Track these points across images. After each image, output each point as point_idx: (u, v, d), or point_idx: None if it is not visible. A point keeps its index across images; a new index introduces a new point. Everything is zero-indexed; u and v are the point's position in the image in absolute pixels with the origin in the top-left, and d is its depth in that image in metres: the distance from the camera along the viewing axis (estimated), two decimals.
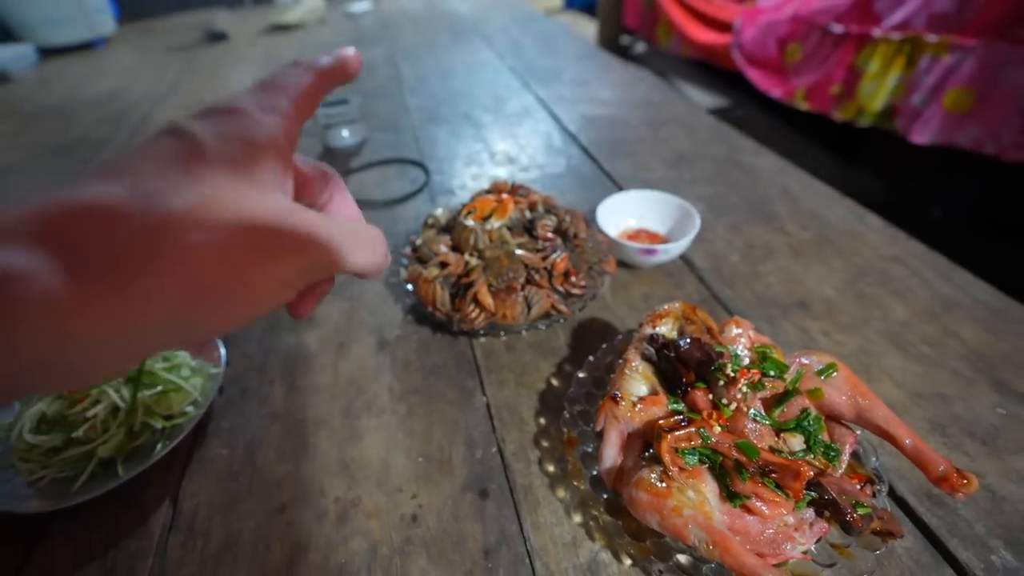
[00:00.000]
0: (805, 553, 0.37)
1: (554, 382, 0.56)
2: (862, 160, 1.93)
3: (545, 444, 0.50)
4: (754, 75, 1.79)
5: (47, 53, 1.96)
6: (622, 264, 0.71)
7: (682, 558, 0.38)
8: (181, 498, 0.48)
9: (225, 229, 0.17)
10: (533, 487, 0.47)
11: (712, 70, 2.37)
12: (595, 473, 0.44)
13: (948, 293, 0.64)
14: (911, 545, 0.41)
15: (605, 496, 0.42)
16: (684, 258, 0.73)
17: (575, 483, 0.44)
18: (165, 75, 1.66)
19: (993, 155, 1.18)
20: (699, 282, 0.69)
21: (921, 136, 1.28)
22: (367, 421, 0.54)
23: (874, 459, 0.43)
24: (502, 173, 0.98)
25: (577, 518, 0.44)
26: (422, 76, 1.49)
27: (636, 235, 0.74)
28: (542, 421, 0.52)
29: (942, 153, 1.31)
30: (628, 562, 0.41)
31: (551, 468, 0.48)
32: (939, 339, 0.58)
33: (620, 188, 0.89)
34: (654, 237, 0.74)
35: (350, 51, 0.25)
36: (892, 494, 0.45)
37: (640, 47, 3.40)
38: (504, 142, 1.10)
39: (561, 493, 0.46)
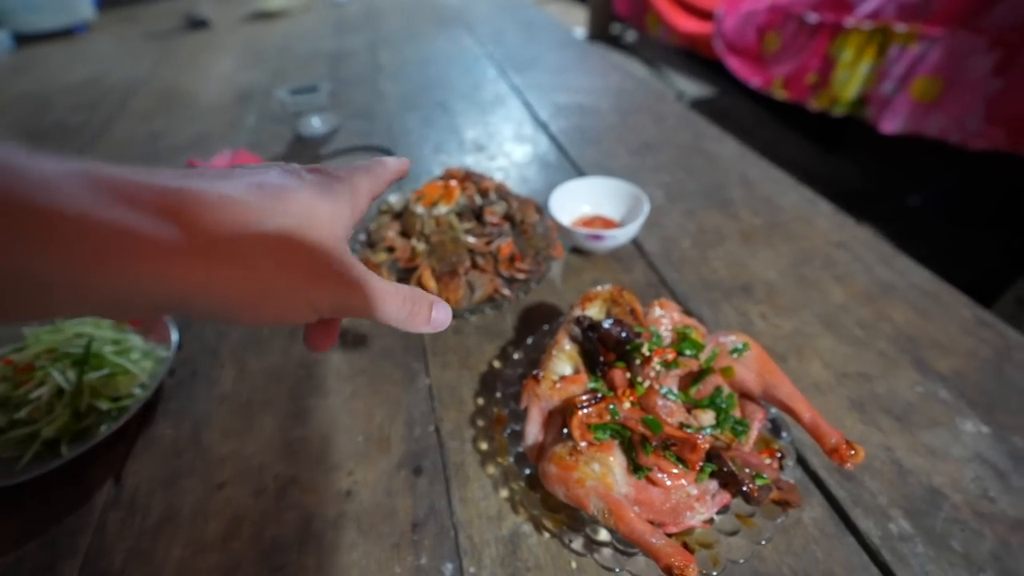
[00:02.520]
0: (708, 523, 0.39)
1: (496, 364, 0.58)
2: (842, 150, 1.94)
3: (480, 423, 0.52)
4: (734, 64, 1.79)
5: (26, 39, 1.95)
6: (575, 250, 0.73)
7: (590, 530, 0.40)
8: (125, 476, 0.50)
9: (301, 254, 0.23)
10: (465, 464, 0.49)
11: (701, 59, 2.37)
12: (521, 450, 0.46)
13: (886, 278, 0.66)
14: (818, 515, 0.43)
15: (528, 471, 0.44)
16: (636, 243, 0.74)
17: (500, 459, 0.46)
18: (144, 62, 1.66)
19: (958, 144, 1.20)
20: (648, 267, 0.70)
21: (890, 125, 1.29)
22: (312, 402, 0.56)
23: (785, 434, 0.44)
24: (470, 161, 0.99)
25: (503, 493, 0.46)
26: (401, 64, 1.49)
27: (591, 221, 0.76)
28: (480, 401, 0.54)
29: (918, 143, 1.32)
30: (547, 534, 0.43)
31: (484, 446, 0.50)
32: (872, 322, 0.60)
33: (583, 175, 0.90)
34: (608, 223, 0.75)
35: (406, 162, 0.34)
36: (805, 468, 0.47)
37: (631, 36, 3.39)
38: (475, 130, 1.10)
39: (491, 469, 0.48)
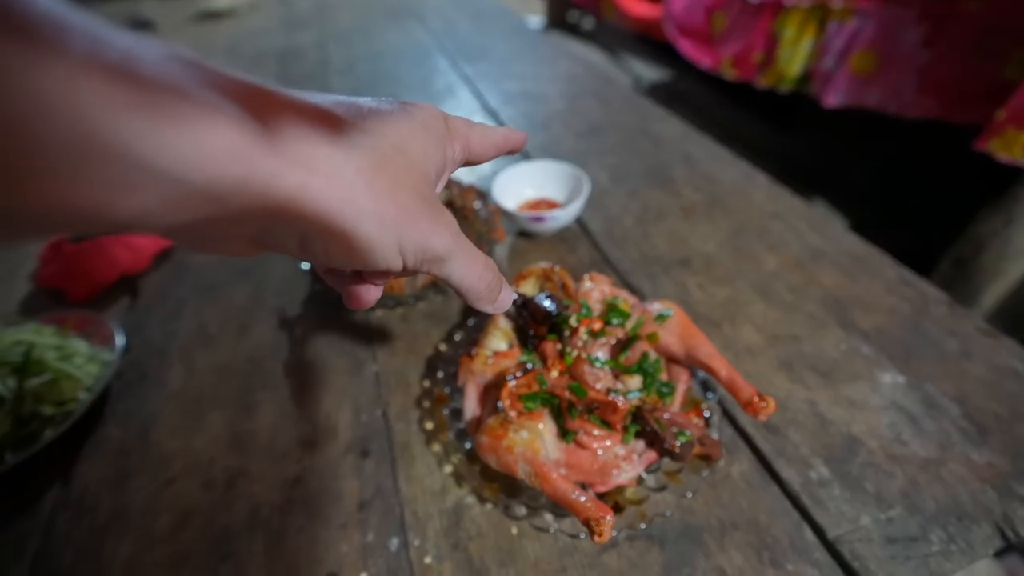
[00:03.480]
0: (638, 482, 0.41)
1: (442, 348, 0.59)
2: (794, 128, 1.99)
3: (426, 405, 0.53)
4: (685, 46, 1.82)
5: None
6: (522, 234, 0.74)
7: (527, 497, 0.42)
8: (73, 478, 0.50)
9: (387, 178, 0.20)
10: (411, 444, 0.50)
11: (656, 44, 2.40)
12: (461, 426, 0.47)
13: (818, 244, 0.69)
14: (745, 469, 0.46)
15: (468, 446, 0.46)
16: (581, 224, 0.76)
17: (441, 436, 0.47)
18: None
19: (896, 114, 1.24)
20: (592, 246, 0.72)
21: (833, 99, 1.33)
22: (261, 395, 0.56)
23: (711, 395, 0.47)
24: None
25: (447, 469, 0.48)
26: (351, 60, 1.48)
27: (536, 204, 0.77)
28: (426, 384, 0.55)
29: (864, 118, 1.36)
30: (489, 504, 0.45)
31: (428, 426, 0.51)
32: (802, 286, 0.63)
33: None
34: (553, 205, 0.77)
35: (521, 136, 0.31)
36: (735, 426, 0.49)
37: (588, 23, 3.40)
38: None
39: (435, 447, 0.49)
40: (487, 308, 0.27)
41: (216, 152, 0.16)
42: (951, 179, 1.42)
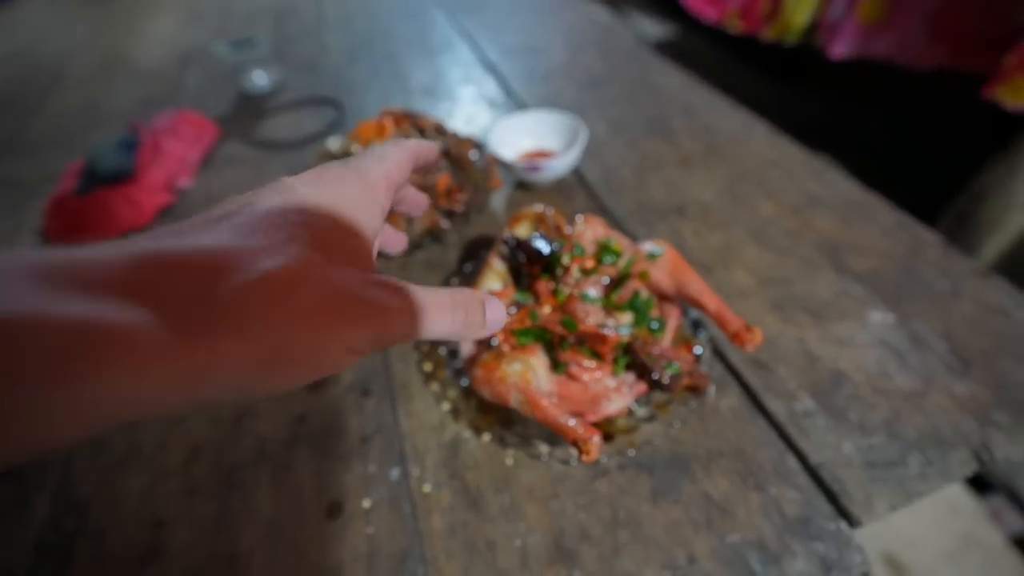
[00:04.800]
0: (628, 413, 0.43)
1: None
2: (801, 84, 1.94)
3: (424, 347, 0.54)
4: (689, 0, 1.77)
5: None
6: (520, 185, 0.74)
7: (520, 428, 0.44)
8: None
9: (315, 295, 0.18)
10: (410, 383, 0.52)
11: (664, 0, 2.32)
12: (459, 366, 0.48)
13: (815, 191, 0.69)
14: (733, 403, 0.47)
15: (464, 383, 0.47)
16: (578, 173, 0.76)
17: (438, 375, 0.49)
18: (78, 29, 1.59)
19: (905, 64, 1.21)
20: (589, 196, 0.72)
21: (839, 49, 1.29)
22: None
23: (702, 332, 0.48)
24: (418, 106, 0.98)
25: (445, 406, 0.49)
26: (347, 16, 1.45)
27: (534, 155, 0.77)
28: None
29: (872, 73, 1.33)
30: (485, 437, 0.46)
31: (427, 367, 0.53)
32: (797, 231, 0.63)
33: None
34: (550, 155, 0.76)
35: (433, 146, 0.29)
36: (725, 363, 0.50)
37: None
38: (423, 76, 1.09)
39: (434, 387, 0.51)
40: (480, 336, 0.24)
41: (103, 381, 0.14)
42: (958, 136, 1.39)
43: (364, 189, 0.23)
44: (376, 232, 0.23)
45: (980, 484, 1.00)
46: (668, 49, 2.53)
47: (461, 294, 0.23)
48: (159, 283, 0.16)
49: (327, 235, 0.20)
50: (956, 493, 0.99)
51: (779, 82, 2.01)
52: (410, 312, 0.21)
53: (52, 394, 0.13)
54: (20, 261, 0.14)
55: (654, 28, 2.64)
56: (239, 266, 0.17)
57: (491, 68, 1.09)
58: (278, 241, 0.19)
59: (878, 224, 0.63)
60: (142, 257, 0.16)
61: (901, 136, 1.60)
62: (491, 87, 1.01)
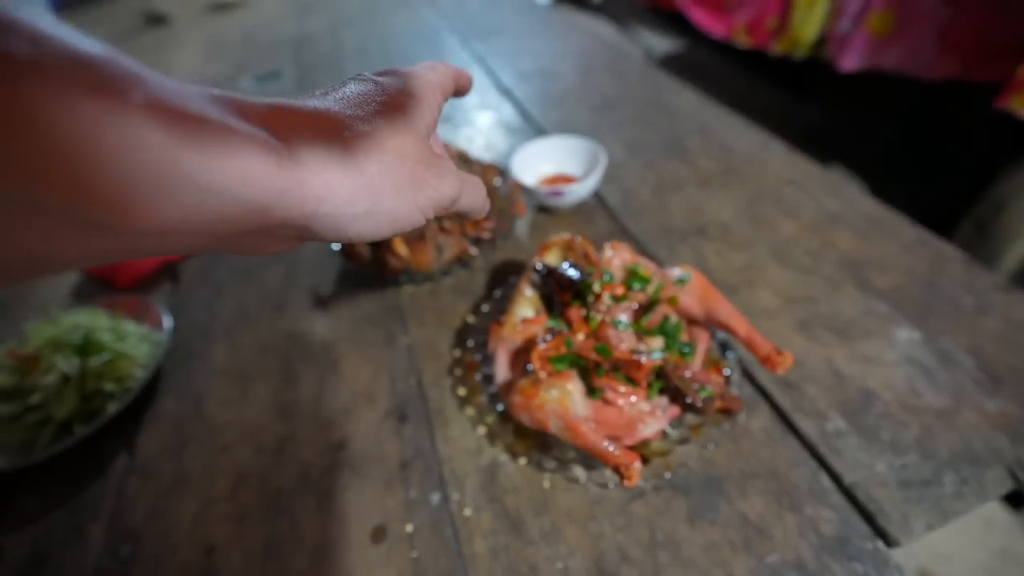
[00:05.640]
0: (662, 435, 0.44)
1: (470, 319, 0.62)
2: (811, 95, 1.96)
3: (458, 372, 0.56)
4: (697, 14, 1.79)
5: None
6: (541, 209, 0.76)
7: (558, 452, 0.45)
8: (136, 447, 0.54)
9: (398, 159, 0.23)
10: (445, 408, 0.53)
11: (668, 15, 2.36)
12: (493, 390, 0.50)
13: (834, 208, 0.70)
14: (764, 424, 0.48)
15: (500, 408, 0.49)
16: (598, 197, 0.78)
17: (474, 400, 0.50)
18: None
19: (915, 75, 1.22)
20: (610, 218, 0.74)
21: (849, 62, 1.31)
22: (301, 368, 0.60)
23: (731, 353, 0.49)
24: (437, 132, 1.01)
25: (481, 430, 0.51)
26: (363, 44, 1.49)
27: (554, 180, 0.79)
28: (456, 353, 0.58)
29: (882, 82, 1.34)
30: (522, 461, 0.48)
31: (461, 392, 0.54)
32: (818, 249, 0.64)
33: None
34: (571, 180, 0.78)
35: (471, 76, 0.33)
36: (754, 384, 0.51)
37: None
38: None
39: (469, 411, 0.52)
40: (482, 214, 0.30)
41: (256, 174, 0.19)
42: (972, 142, 1.40)
43: (424, 86, 0.27)
44: (432, 123, 0.27)
45: (1015, 499, 0.99)
46: (675, 63, 2.56)
47: (478, 179, 0.29)
48: (287, 124, 0.21)
49: (399, 114, 0.25)
50: (991, 508, 0.97)
51: (790, 93, 2.03)
52: (455, 184, 0.26)
53: (224, 171, 0.18)
54: (208, 90, 0.19)
55: (662, 44, 2.67)
56: (344, 125, 0.22)
57: (506, 93, 1.11)
58: (368, 113, 0.23)
59: (898, 240, 0.64)
60: (276, 106, 0.21)
61: (913, 143, 1.61)
62: (508, 112, 1.04)
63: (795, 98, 2.01)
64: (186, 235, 0.18)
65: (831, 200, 0.71)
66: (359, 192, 0.22)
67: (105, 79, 0.15)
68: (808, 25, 1.39)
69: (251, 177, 0.19)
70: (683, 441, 0.44)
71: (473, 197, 0.28)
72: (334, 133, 0.22)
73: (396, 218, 0.24)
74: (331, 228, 0.22)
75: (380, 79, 0.26)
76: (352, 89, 0.25)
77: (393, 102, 0.25)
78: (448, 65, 0.31)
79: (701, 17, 1.78)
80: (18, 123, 0.14)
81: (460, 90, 0.33)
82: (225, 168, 0.18)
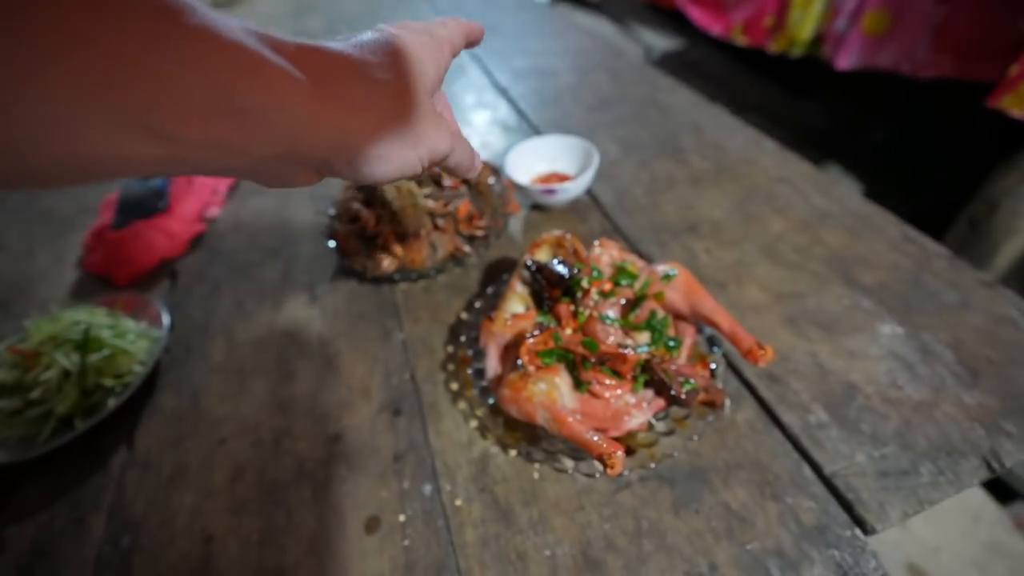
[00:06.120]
0: (648, 427, 0.45)
1: (463, 316, 0.63)
2: (809, 93, 1.96)
3: (451, 367, 0.57)
4: (695, 13, 1.80)
5: None
6: (535, 207, 0.77)
7: (546, 444, 0.46)
8: (135, 441, 0.56)
9: (408, 108, 0.26)
10: (438, 402, 0.54)
11: (667, 13, 2.36)
12: (484, 384, 0.51)
13: (823, 206, 0.71)
14: (749, 416, 0.49)
15: (491, 401, 0.50)
16: (592, 195, 0.79)
17: (466, 394, 0.52)
18: None
19: (910, 74, 1.23)
20: (603, 216, 0.75)
21: (845, 61, 1.31)
22: (298, 364, 0.61)
23: (717, 348, 0.50)
24: None
25: (472, 424, 0.52)
26: None
27: (548, 178, 0.80)
28: (450, 349, 0.59)
29: (880, 81, 1.35)
30: (512, 453, 0.49)
31: (454, 386, 0.55)
32: (807, 246, 0.65)
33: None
34: (564, 178, 0.79)
35: (482, 27, 0.36)
36: (740, 378, 0.52)
37: None
38: None
39: (461, 405, 0.54)
40: (471, 175, 0.34)
41: (287, 104, 0.21)
42: (967, 141, 1.40)
43: (434, 43, 0.29)
44: (438, 80, 0.29)
45: (1002, 493, 1.00)
46: (674, 61, 2.56)
47: (467, 141, 0.32)
48: (314, 63, 0.23)
49: (410, 66, 0.27)
50: (978, 502, 0.99)
51: (787, 90, 2.03)
52: (450, 141, 0.29)
53: (260, 96, 0.21)
54: (246, 23, 0.21)
55: (661, 41, 2.68)
56: (362, 72, 0.25)
57: (502, 92, 1.12)
58: (384, 62, 0.26)
59: (886, 237, 0.65)
60: (304, 47, 0.23)
61: (909, 142, 1.61)
62: (504, 111, 1.05)
63: (794, 96, 2.01)
64: (229, 152, 0.21)
65: (821, 198, 0.72)
66: (372, 136, 0.25)
67: (165, 4, 0.18)
68: (804, 24, 1.40)
69: (282, 105, 0.21)
70: (669, 433, 0.45)
71: (463, 156, 0.31)
72: (355, 78, 0.24)
73: (401, 164, 0.27)
74: (347, 165, 0.25)
75: (396, 32, 0.28)
76: (369, 38, 0.27)
77: (405, 56, 0.27)
78: (459, 20, 0.33)
79: (699, 15, 1.79)
80: (103, 41, 0.17)
81: (472, 42, 0.35)
82: (260, 93, 0.21)
